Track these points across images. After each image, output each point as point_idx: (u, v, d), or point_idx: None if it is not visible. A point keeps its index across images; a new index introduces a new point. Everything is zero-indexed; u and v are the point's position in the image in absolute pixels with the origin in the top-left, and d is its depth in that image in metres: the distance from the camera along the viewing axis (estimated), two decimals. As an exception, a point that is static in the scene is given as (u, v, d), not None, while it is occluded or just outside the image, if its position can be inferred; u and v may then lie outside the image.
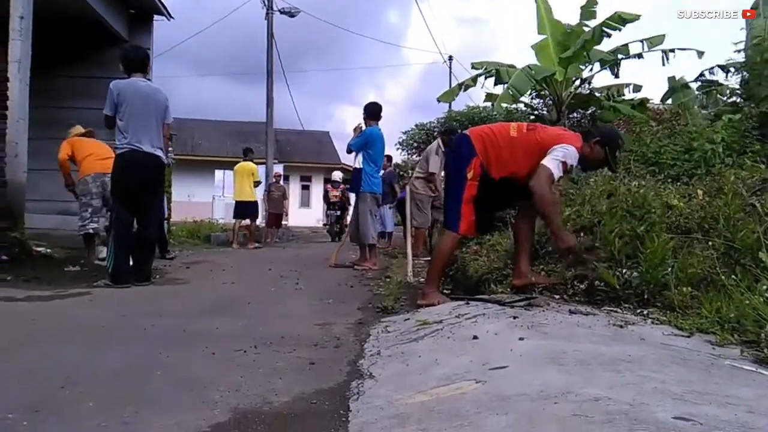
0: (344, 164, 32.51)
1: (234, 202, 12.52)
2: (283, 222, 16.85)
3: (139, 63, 5.65)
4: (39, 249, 6.94)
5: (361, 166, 7.65)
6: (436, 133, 13.94)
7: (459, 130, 7.80)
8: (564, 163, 3.79)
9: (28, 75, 6.91)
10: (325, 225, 20.63)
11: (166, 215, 8.08)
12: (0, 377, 2.46)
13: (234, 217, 12.47)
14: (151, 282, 5.60)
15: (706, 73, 10.38)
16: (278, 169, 19.39)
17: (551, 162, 3.77)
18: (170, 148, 8.37)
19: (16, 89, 6.66)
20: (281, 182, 16.56)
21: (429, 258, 7.41)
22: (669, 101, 10.99)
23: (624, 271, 3.72)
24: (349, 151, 7.86)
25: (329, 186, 17.54)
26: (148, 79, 5.86)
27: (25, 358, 2.81)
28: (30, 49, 6.96)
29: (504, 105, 11.20)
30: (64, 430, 1.90)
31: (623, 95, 11.50)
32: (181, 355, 2.90)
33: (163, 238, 8.07)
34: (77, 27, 9.60)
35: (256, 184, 12.57)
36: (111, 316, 3.89)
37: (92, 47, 10.22)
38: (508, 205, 4.93)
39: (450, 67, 32.31)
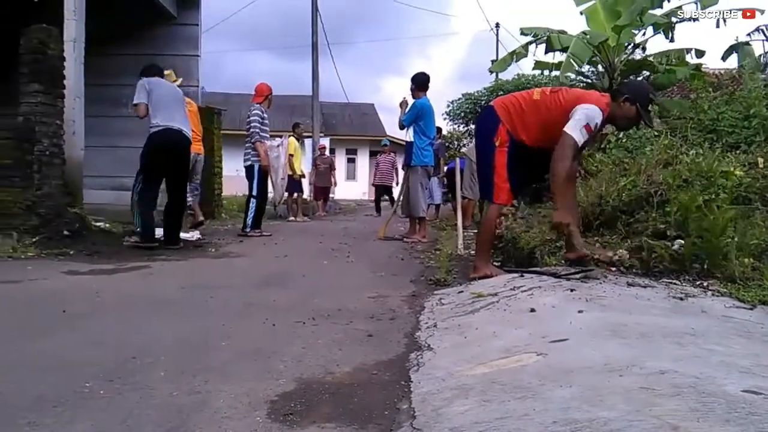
0: (389, 135, 32.38)
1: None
2: (330, 194, 16.90)
3: (156, 73, 6.53)
4: (98, 224, 7.14)
5: (412, 140, 7.61)
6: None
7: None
8: (587, 126, 3.74)
9: (82, 54, 7.10)
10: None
11: (254, 192, 8.19)
12: (74, 348, 2.58)
13: (287, 191, 12.67)
14: (179, 246, 6.23)
15: (764, 28, 9.92)
16: (324, 141, 19.42)
17: (573, 128, 3.72)
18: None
19: (72, 68, 6.81)
20: (326, 153, 16.59)
21: (477, 230, 7.38)
22: (732, 59, 10.54)
23: (681, 243, 3.66)
24: (401, 127, 7.77)
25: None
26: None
27: (94, 330, 2.93)
28: (84, 28, 7.14)
29: (568, 74, 10.82)
30: (140, 399, 1.98)
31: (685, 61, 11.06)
32: (243, 327, 2.99)
33: (254, 215, 8.20)
34: (127, 4, 9.76)
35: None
36: (171, 289, 4.02)
37: (141, 25, 10.38)
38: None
39: (497, 35, 31.72)
